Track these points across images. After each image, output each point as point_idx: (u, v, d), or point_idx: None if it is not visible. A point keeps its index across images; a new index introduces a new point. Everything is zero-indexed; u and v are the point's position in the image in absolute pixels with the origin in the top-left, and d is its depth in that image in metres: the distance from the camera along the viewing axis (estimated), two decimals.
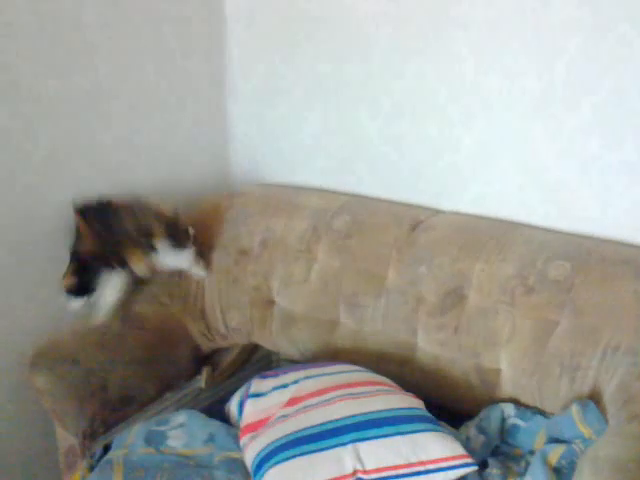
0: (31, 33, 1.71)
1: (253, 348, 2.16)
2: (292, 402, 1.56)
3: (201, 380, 2.00)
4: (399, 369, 1.80)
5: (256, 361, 2.18)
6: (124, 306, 1.95)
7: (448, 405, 1.70)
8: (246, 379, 2.07)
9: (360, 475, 1.38)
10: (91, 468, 1.71)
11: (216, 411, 1.81)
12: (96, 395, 1.78)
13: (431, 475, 1.39)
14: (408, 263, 1.81)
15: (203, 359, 2.08)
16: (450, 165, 1.91)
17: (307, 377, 1.63)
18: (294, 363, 2.01)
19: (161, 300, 2.03)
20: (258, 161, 2.28)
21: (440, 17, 1.79)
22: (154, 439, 1.60)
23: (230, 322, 2.04)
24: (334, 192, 2.10)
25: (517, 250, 1.68)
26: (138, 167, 2.05)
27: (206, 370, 2.02)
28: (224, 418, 1.73)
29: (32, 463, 1.95)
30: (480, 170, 1.87)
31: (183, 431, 1.61)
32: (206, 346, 2.07)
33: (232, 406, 1.69)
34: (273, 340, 2.01)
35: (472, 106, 1.82)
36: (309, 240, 1.95)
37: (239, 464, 1.51)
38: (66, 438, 1.80)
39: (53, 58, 1.77)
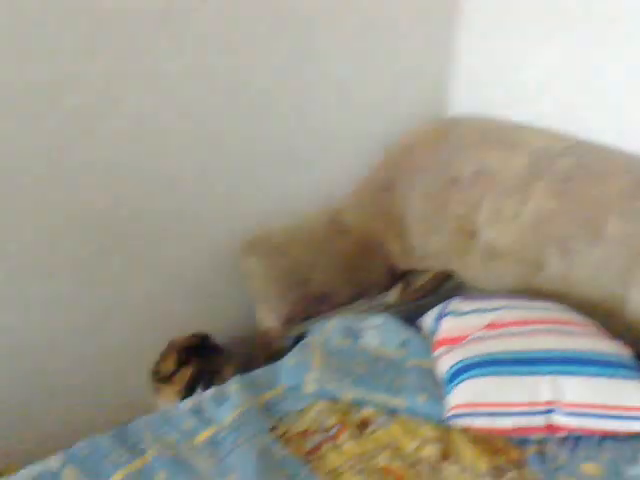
0: None
1: (446, 276, 2.17)
2: (491, 326, 1.56)
3: (392, 295, 2.06)
4: (604, 320, 1.72)
5: (446, 290, 2.20)
6: (334, 213, 2.03)
7: None
8: (434, 304, 2.11)
9: (555, 406, 1.37)
10: (282, 352, 1.83)
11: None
12: (299, 286, 1.90)
13: (631, 422, 1.34)
14: (633, 215, 1.71)
15: (396, 276, 2.13)
16: None
17: (509, 306, 1.62)
18: None
19: (368, 213, 2.10)
20: (479, 95, 2.24)
21: None
22: (351, 333, 1.68)
23: (430, 246, 2.06)
24: (557, 133, 2.02)
25: None
26: (360, 85, 2.09)
27: (399, 286, 2.07)
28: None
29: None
30: None
31: (379, 332, 1.68)
32: (402, 264, 2.12)
33: (427, 321, 1.73)
34: (471, 271, 2.01)
35: None
36: (526, 178, 1.90)
37: (430, 372, 1.55)
38: (265, 320, 1.94)
39: None
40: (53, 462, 1.30)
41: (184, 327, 1.93)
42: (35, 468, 1.29)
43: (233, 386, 1.48)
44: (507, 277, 1.92)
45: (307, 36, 1.93)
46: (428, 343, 1.65)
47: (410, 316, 2.00)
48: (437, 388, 1.50)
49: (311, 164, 2.10)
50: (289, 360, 1.58)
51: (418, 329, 1.77)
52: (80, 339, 1.83)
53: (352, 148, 2.17)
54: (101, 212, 1.72)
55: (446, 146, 2.07)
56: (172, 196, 1.84)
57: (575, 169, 1.84)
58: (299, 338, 1.88)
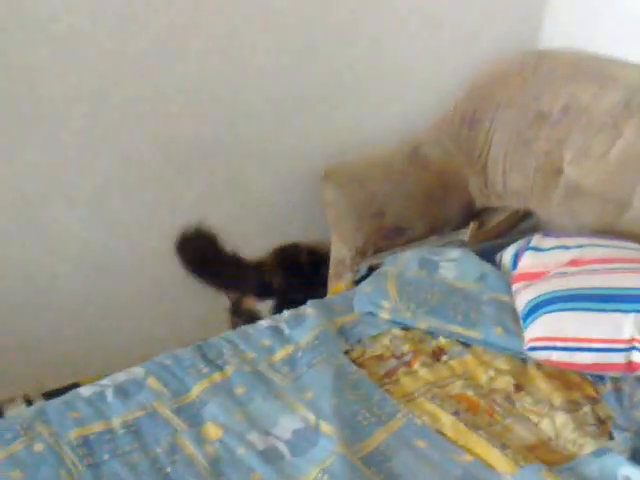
0: None
1: (522, 217, 2.13)
2: (574, 263, 1.52)
3: (466, 233, 2.03)
4: None
5: (522, 231, 2.15)
6: (413, 147, 2.00)
7: None
8: (508, 245, 2.08)
9: (637, 344, 1.33)
10: (355, 282, 1.85)
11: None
12: (374, 218, 1.89)
13: None
14: None
15: (473, 214, 2.10)
16: None
17: (593, 245, 1.58)
18: None
19: (447, 147, 2.05)
20: (573, 26, 2.13)
21: None
22: (427, 265, 1.67)
23: (510, 183, 2.01)
24: None
25: None
26: (451, 10, 2.02)
27: (472, 225, 2.04)
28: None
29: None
30: None
31: (455, 265, 1.67)
32: (479, 202, 2.08)
33: (506, 256, 1.70)
34: (552, 210, 1.95)
35: None
36: (618, 114, 1.82)
37: (507, 307, 1.53)
38: (339, 250, 1.95)
39: None
40: (137, 371, 1.36)
41: (262, 250, 1.96)
42: (119, 376, 1.35)
43: (309, 309, 1.51)
44: (589, 216, 1.86)
45: None
46: (506, 278, 1.63)
47: (485, 253, 1.98)
48: (514, 322, 1.48)
49: (392, 96, 2.06)
50: (364, 287, 1.58)
51: (496, 265, 1.74)
52: (159, 261, 1.88)
53: (434, 80, 2.11)
54: (184, 133, 1.74)
55: (534, 79, 1.99)
56: (253, 122, 1.84)
57: None
58: (372, 270, 1.90)
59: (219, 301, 2.01)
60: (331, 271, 2.00)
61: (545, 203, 1.97)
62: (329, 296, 1.62)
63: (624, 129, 1.81)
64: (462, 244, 2.05)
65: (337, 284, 1.94)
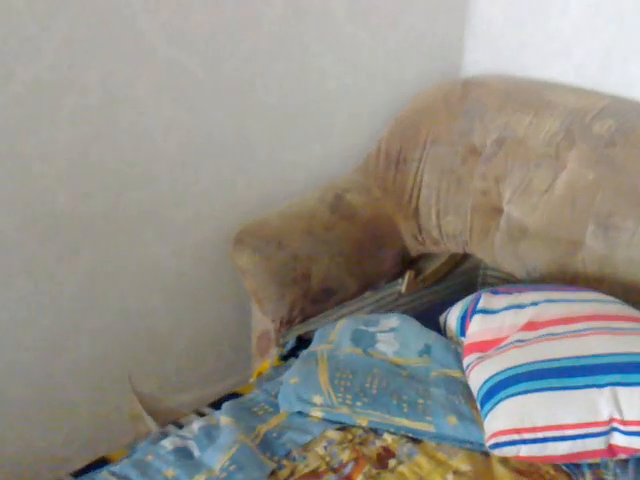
0: None
1: (460, 258, 1.94)
2: (531, 326, 1.30)
3: (402, 284, 1.83)
4: None
5: (461, 273, 1.98)
6: (336, 195, 1.77)
7: None
8: (450, 290, 1.87)
9: (617, 425, 1.12)
10: (282, 357, 1.61)
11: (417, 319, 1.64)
12: (298, 282, 1.64)
13: None
14: None
15: (408, 262, 1.88)
16: None
17: (548, 300, 1.36)
18: (512, 283, 1.77)
19: (374, 193, 1.83)
20: (499, 49, 1.95)
21: None
22: (362, 340, 1.42)
23: (446, 227, 1.80)
24: (592, 92, 1.74)
25: None
26: (366, 43, 1.81)
27: (408, 274, 1.84)
28: (436, 328, 1.52)
29: (223, 341, 1.88)
30: None
31: (395, 336, 1.43)
32: (414, 249, 1.86)
33: (451, 319, 1.47)
34: (494, 253, 1.75)
35: None
36: (559, 144, 1.64)
37: (460, 385, 1.30)
38: (262, 322, 1.69)
39: None
40: None
41: (168, 333, 1.69)
42: None
43: (224, 418, 1.23)
44: (538, 259, 1.66)
45: None
46: (454, 347, 1.41)
47: (425, 310, 1.77)
48: (470, 404, 1.25)
49: (309, 138, 1.83)
50: (290, 378, 1.32)
51: (440, 328, 1.52)
52: (39, 356, 1.57)
53: (355, 119, 1.90)
54: (64, 209, 1.45)
55: (463, 111, 1.79)
56: (148, 186, 1.57)
57: (617, 132, 1.57)
58: (301, 340, 1.65)
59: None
60: (254, 347, 1.73)
61: (486, 246, 1.77)
62: (248, 394, 1.35)
63: (567, 160, 1.63)
64: (399, 297, 1.83)
65: (262, 362, 1.68)
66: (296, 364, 1.37)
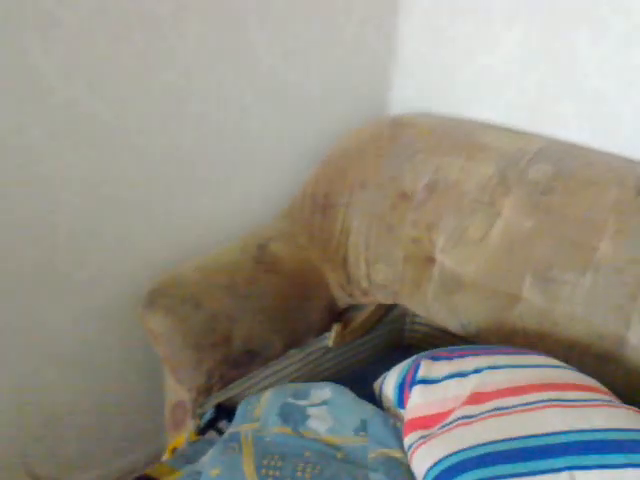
0: None
1: (388, 307, 1.83)
2: (476, 398, 1.19)
3: (329, 338, 1.70)
4: (597, 366, 1.40)
5: (389, 322, 1.87)
6: (259, 245, 1.62)
7: None
8: (376, 341, 1.77)
9: None
10: (199, 430, 1.44)
11: (344, 376, 1.59)
12: (218, 346, 1.48)
13: None
14: (631, 235, 1.38)
15: (336, 315, 1.75)
16: None
17: (492, 367, 1.25)
18: (444, 337, 1.68)
19: (299, 241, 1.69)
20: (427, 89, 1.87)
21: None
22: (291, 416, 1.27)
23: (375, 277, 1.68)
24: (526, 133, 1.68)
25: None
26: (288, 77, 1.68)
27: (335, 328, 1.71)
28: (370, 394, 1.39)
29: (131, 411, 1.69)
30: None
31: (328, 411, 1.28)
32: (342, 301, 1.73)
33: (387, 387, 1.34)
34: (427, 305, 1.64)
35: None
36: (493, 190, 1.55)
37: (401, 468, 1.16)
38: (176, 391, 1.52)
39: None
40: None
41: (66, 408, 1.48)
42: None
43: None
44: (473, 314, 1.56)
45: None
46: (393, 422, 1.27)
47: (350, 360, 1.65)
48: None
49: (229, 181, 1.68)
50: (211, 470, 1.15)
51: (376, 395, 1.39)
52: None
53: (279, 161, 1.76)
54: None
55: (390, 153, 1.68)
56: (42, 240, 1.37)
57: (554, 178, 1.50)
58: (220, 409, 1.48)
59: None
60: (167, 419, 1.55)
61: (419, 298, 1.65)
62: None
63: (502, 207, 1.54)
64: (326, 352, 1.70)
65: (177, 435, 1.50)
66: (217, 450, 1.20)
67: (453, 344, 1.64)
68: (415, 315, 1.85)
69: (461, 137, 1.65)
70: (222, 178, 1.66)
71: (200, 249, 1.60)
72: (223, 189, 1.66)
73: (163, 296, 1.47)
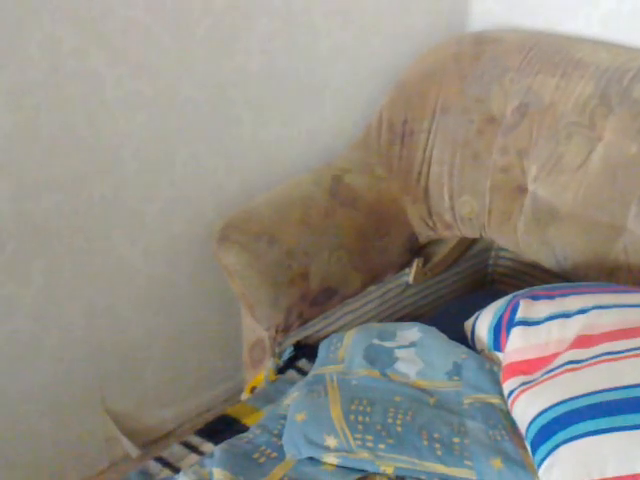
0: None
1: (471, 241, 1.72)
2: (582, 342, 1.08)
3: (409, 274, 1.61)
4: None
5: (472, 257, 1.77)
6: (334, 177, 1.52)
7: None
8: (457, 277, 1.67)
9: None
10: (278, 370, 1.39)
11: (424, 313, 1.58)
12: (295, 284, 1.41)
13: None
14: None
15: (416, 250, 1.65)
16: None
17: (599, 306, 1.14)
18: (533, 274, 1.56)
19: (376, 173, 1.59)
20: (511, 1, 1.69)
21: None
22: (378, 358, 1.20)
23: (460, 209, 1.57)
24: (627, 48, 1.50)
25: None
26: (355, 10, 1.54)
27: (417, 263, 1.63)
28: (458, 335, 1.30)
29: (207, 349, 1.65)
30: None
31: (416, 353, 1.20)
32: (424, 235, 1.63)
33: (481, 328, 1.25)
34: (517, 239, 1.52)
35: None
36: (593, 111, 1.40)
37: (499, 415, 1.08)
38: (254, 330, 1.46)
39: None
40: None
41: (141, 344, 1.45)
42: None
43: (217, 471, 1.00)
44: (570, 247, 1.44)
45: None
46: (489, 365, 1.18)
47: (432, 297, 1.63)
48: (516, 443, 1.03)
49: (299, 109, 1.58)
50: (297, 414, 1.09)
51: (467, 334, 1.30)
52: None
53: (352, 86, 1.64)
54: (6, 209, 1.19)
55: (478, 73, 1.54)
56: (110, 175, 1.31)
57: None
58: (299, 347, 1.42)
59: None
60: (246, 358, 1.50)
61: (508, 232, 1.54)
62: (244, 434, 1.11)
63: (604, 130, 1.40)
64: (406, 288, 1.62)
65: (255, 374, 1.46)
66: (302, 393, 1.14)
67: (543, 280, 1.54)
68: (500, 249, 1.74)
69: (554, 53, 1.49)
70: (290, 104, 1.55)
71: (271, 183, 1.52)
72: (291, 116, 1.56)
73: (236, 231, 1.39)
